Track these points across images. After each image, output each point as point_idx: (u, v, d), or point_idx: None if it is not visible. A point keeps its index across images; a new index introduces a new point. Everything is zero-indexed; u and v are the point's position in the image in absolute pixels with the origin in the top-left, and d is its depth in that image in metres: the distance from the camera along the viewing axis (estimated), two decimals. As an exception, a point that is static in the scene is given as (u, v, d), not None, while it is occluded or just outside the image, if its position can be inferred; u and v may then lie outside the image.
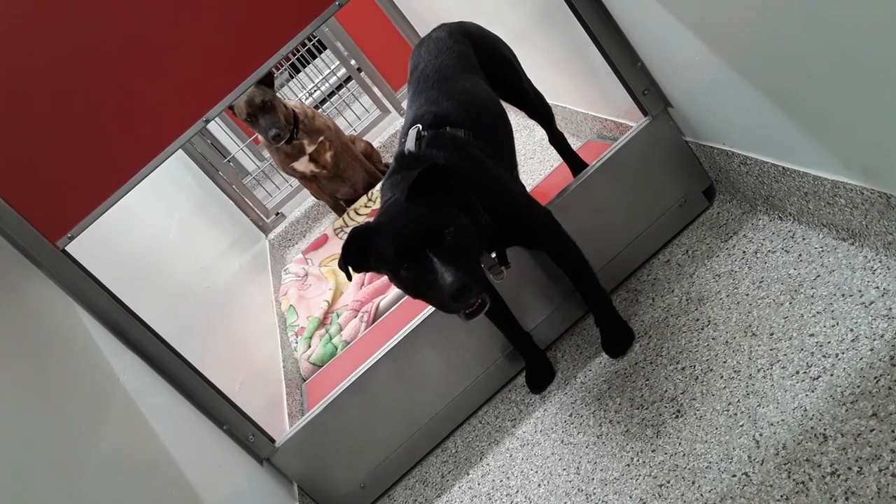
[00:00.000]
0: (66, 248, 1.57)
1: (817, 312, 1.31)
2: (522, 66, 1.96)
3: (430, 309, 1.73)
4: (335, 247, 3.09)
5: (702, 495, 1.22)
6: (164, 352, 1.63)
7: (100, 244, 1.81)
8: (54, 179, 1.56)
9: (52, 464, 1.15)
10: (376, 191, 3.34)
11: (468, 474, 1.68)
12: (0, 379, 1.19)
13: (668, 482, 1.28)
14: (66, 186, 1.57)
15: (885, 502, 1.03)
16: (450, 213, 1.34)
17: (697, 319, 1.50)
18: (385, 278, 2.46)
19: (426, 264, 1.28)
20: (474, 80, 1.73)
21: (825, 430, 1.15)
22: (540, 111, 1.99)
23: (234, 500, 1.55)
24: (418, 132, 1.55)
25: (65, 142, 1.55)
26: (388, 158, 3.68)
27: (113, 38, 1.51)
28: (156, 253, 2.36)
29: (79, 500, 1.14)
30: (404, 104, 4.16)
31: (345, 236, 3.16)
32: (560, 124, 2.48)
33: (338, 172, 3.41)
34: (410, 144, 1.53)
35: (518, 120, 2.87)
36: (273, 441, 1.73)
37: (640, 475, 1.33)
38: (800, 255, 1.43)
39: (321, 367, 2.26)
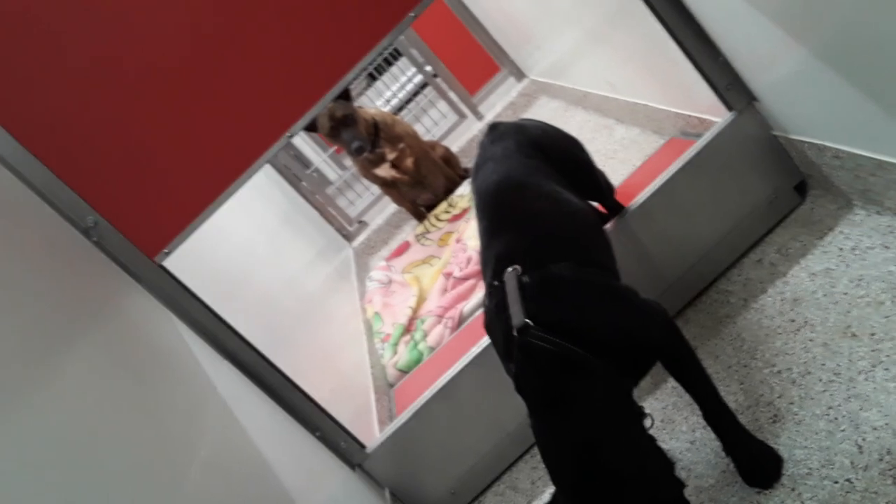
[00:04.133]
0: (163, 263, 1.64)
1: (922, 311, 1.25)
2: (599, 75, 1.89)
3: (514, 314, 1.73)
4: (417, 253, 3.13)
5: (803, 503, 1.18)
6: (256, 360, 1.68)
7: (194, 258, 1.89)
8: (151, 198, 1.64)
9: (153, 474, 1.21)
10: (456, 196, 3.36)
11: (558, 480, 1.67)
12: (104, 390, 1.25)
13: (767, 490, 1.24)
14: (161, 204, 1.65)
15: None
16: None
17: (793, 320, 1.45)
18: (469, 283, 2.48)
19: None
20: (558, 194, 1.48)
21: (934, 434, 1.10)
22: (609, 192, 1.77)
23: (329, 506, 1.58)
24: (518, 279, 1.27)
25: (159, 162, 1.63)
26: (466, 163, 3.69)
27: (202, 58, 1.58)
28: (245, 265, 2.44)
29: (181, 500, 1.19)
30: (481, 108, 4.19)
31: (426, 242, 3.17)
32: (641, 122, 2.44)
33: (419, 178, 3.44)
34: (514, 300, 1.24)
35: (596, 119, 2.84)
36: (364, 447, 1.77)
37: (736, 482, 1.30)
38: (901, 250, 1.37)
39: (408, 373, 2.29)
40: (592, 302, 1.26)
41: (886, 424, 1.16)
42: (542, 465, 1.74)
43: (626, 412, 1.17)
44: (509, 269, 1.29)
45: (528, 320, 1.19)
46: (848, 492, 1.13)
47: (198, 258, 1.99)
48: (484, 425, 1.79)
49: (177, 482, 1.24)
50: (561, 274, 1.28)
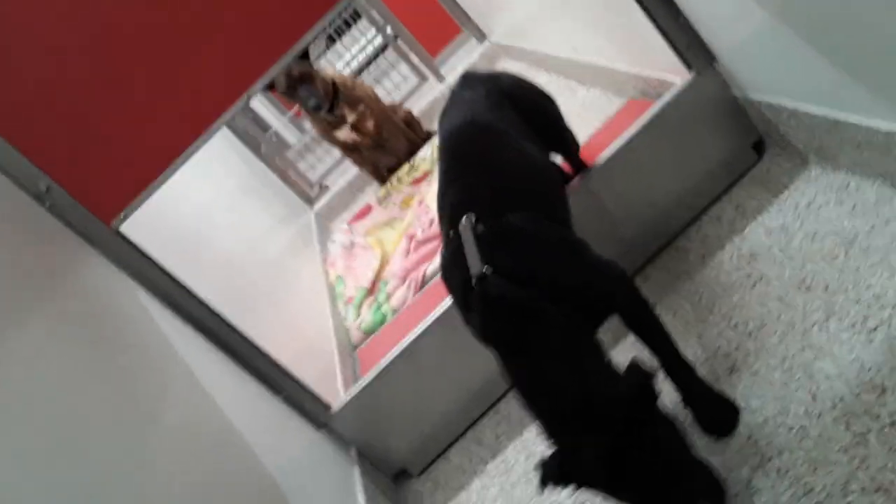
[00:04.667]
0: (120, 229, 1.62)
1: (873, 264, 1.29)
2: (561, 38, 1.88)
3: (477, 274, 1.74)
4: (379, 216, 3.12)
5: (758, 450, 1.22)
6: (219, 325, 1.67)
7: (152, 224, 1.86)
8: (104, 163, 1.60)
9: (117, 439, 1.20)
10: (418, 158, 3.34)
11: (522, 435, 1.70)
12: (63, 357, 1.23)
13: (725, 438, 1.28)
14: (116, 169, 1.61)
15: (948, 452, 1.02)
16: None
17: (749, 275, 1.49)
18: (432, 245, 2.48)
19: None
20: (521, 146, 1.48)
21: (883, 381, 1.14)
22: (575, 149, 1.76)
23: (297, 465, 1.59)
24: (473, 225, 1.27)
25: (112, 125, 1.59)
26: (428, 125, 3.67)
27: (152, 18, 1.54)
28: (205, 230, 2.41)
29: (148, 471, 1.18)
30: (443, 70, 4.15)
31: (389, 205, 3.16)
32: (603, 83, 2.45)
33: (380, 141, 3.42)
34: (471, 249, 1.24)
35: (558, 81, 2.84)
36: (329, 407, 1.78)
37: (694, 432, 1.33)
38: (854, 206, 1.40)
39: (371, 334, 2.29)
40: (548, 253, 1.28)
41: (839, 374, 1.20)
42: (506, 422, 1.77)
43: (586, 349, 1.19)
44: (464, 219, 1.29)
45: (485, 269, 1.20)
46: (802, 438, 1.17)
47: (156, 223, 1.96)
48: (447, 384, 1.81)
49: (141, 448, 1.23)
50: (518, 224, 1.29)
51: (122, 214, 1.61)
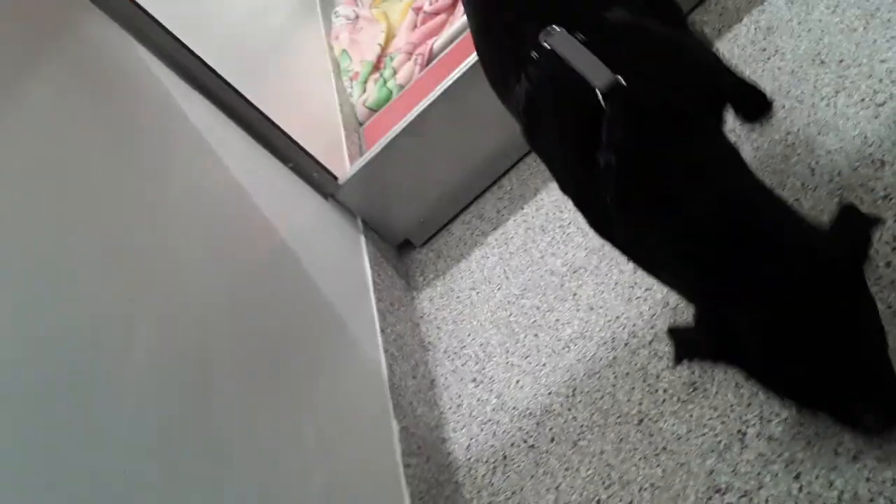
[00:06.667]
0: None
1: (892, 37, 1.25)
2: None
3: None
4: (385, -13, 2.97)
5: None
6: (226, 91, 1.66)
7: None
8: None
9: (131, 195, 1.23)
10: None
11: (522, 209, 1.75)
12: (73, 111, 1.23)
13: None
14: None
15: (935, 223, 1.05)
16: None
17: (764, 49, 1.45)
18: (439, 18, 2.40)
19: None
20: None
21: (883, 156, 1.15)
22: None
23: (305, 232, 1.66)
24: (575, 36, 0.94)
25: None
26: None
27: None
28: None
29: (160, 235, 1.23)
30: None
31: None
32: None
33: None
34: (586, 61, 0.91)
35: None
36: (336, 178, 1.81)
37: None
38: (882, -25, 1.33)
39: (377, 111, 2.28)
40: (669, 52, 1.01)
41: (840, 148, 1.21)
42: (508, 197, 1.81)
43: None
44: (549, 29, 0.96)
45: (618, 77, 0.89)
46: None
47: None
48: (452, 158, 1.83)
49: (155, 205, 1.27)
50: (625, 22, 0.99)
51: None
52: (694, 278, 0.91)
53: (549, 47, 0.94)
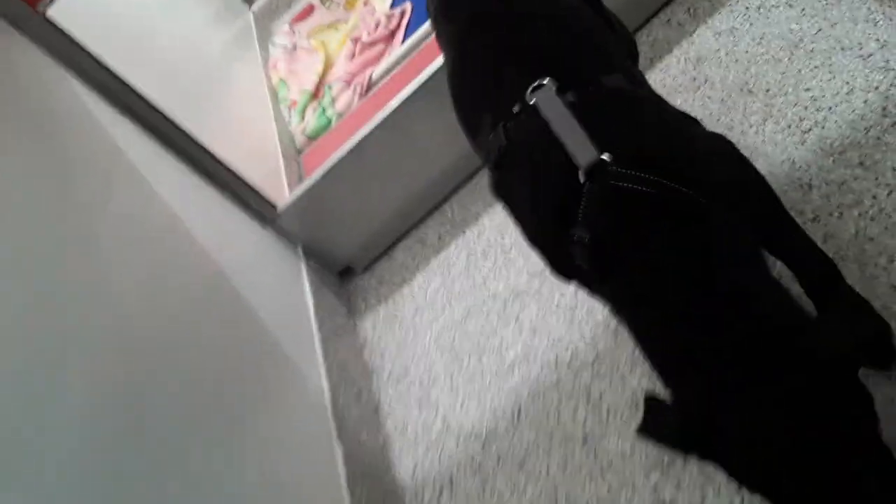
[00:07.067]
0: (49, 14, 1.51)
1: (815, 67, 1.31)
2: None
3: (424, 76, 1.72)
4: (323, 17, 2.98)
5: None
6: (160, 120, 1.63)
7: (85, 12, 1.74)
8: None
9: (63, 233, 1.19)
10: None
11: (464, 234, 1.76)
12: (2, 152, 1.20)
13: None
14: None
15: (860, 243, 1.10)
16: None
17: (694, 79, 1.50)
18: (377, 48, 2.42)
19: None
20: None
21: (811, 179, 1.20)
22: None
23: (244, 260, 1.63)
24: (562, 98, 0.85)
25: None
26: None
27: None
28: (140, 25, 2.28)
29: (93, 259, 1.19)
30: None
31: (332, 6, 3.01)
32: None
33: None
34: (569, 127, 0.82)
35: None
36: (275, 206, 1.79)
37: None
38: (803, 9, 1.40)
39: (316, 139, 2.27)
40: (663, 125, 0.91)
41: (770, 172, 1.25)
42: (450, 223, 1.82)
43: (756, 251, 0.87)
44: (543, 85, 0.86)
45: (604, 156, 0.80)
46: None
47: (87, 12, 1.84)
48: (393, 184, 1.84)
49: (89, 240, 1.23)
50: (620, 89, 0.90)
51: (48, -3, 1.50)
52: (674, 370, 0.83)
53: (533, 104, 0.86)
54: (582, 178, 0.80)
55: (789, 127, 1.28)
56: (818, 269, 0.97)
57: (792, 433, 0.74)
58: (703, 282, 0.79)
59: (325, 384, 1.53)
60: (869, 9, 1.30)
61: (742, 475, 0.81)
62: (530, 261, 1.55)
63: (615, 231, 0.81)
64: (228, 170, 1.72)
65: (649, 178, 0.79)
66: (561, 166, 0.81)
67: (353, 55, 2.49)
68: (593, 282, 0.88)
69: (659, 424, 0.83)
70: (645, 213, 0.80)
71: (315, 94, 2.48)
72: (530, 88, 0.86)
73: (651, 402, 0.84)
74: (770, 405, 0.75)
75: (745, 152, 1.28)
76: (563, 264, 0.90)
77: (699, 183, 0.82)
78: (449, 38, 1.09)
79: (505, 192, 0.95)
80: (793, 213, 1.17)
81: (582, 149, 0.80)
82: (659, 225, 0.80)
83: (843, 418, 0.75)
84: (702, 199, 0.81)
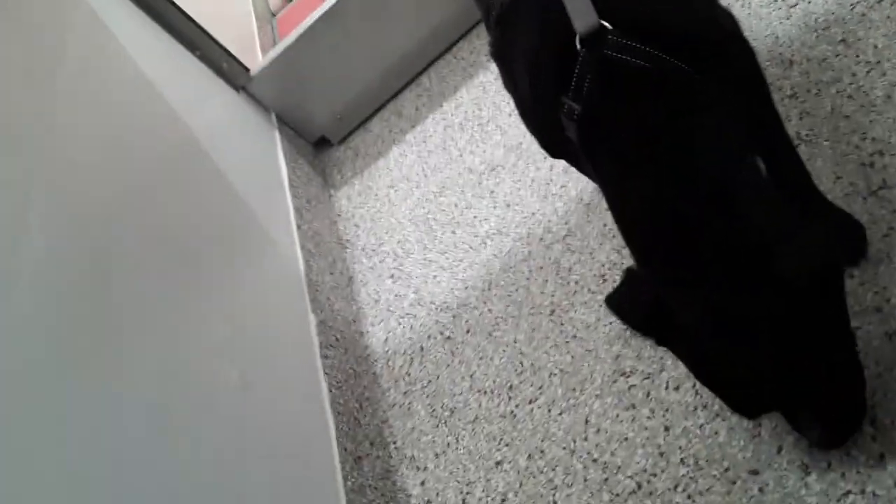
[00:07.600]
0: None
1: (809, -62, 1.26)
2: None
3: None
4: None
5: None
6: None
7: None
8: None
9: (17, 75, 1.14)
10: None
11: (441, 106, 1.73)
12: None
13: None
14: None
15: (836, 120, 1.10)
16: None
17: None
18: None
19: None
20: None
21: (793, 55, 1.18)
22: None
23: (216, 124, 1.59)
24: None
25: None
26: None
27: None
28: None
29: (47, 124, 1.14)
30: None
31: None
32: None
33: None
34: None
35: None
36: (248, 70, 1.74)
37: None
38: None
39: (292, 1, 2.19)
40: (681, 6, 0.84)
41: (753, 47, 1.23)
42: (427, 94, 1.78)
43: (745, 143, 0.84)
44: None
45: (604, 22, 0.76)
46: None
47: None
48: (370, 53, 1.78)
49: (44, 82, 1.18)
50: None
51: None
52: (650, 244, 0.81)
53: None
54: (578, 46, 0.76)
55: (776, 1, 1.25)
56: (796, 176, 0.96)
57: (747, 355, 0.76)
58: (688, 171, 0.77)
59: (298, 253, 1.53)
60: None
61: (694, 370, 0.85)
62: (507, 134, 1.53)
63: (606, 106, 0.78)
64: (197, 26, 1.65)
65: (648, 52, 0.75)
66: (562, 29, 0.76)
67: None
68: (580, 157, 0.85)
69: (628, 298, 0.84)
70: (638, 89, 0.77)
71: (290, -46, 2.36)
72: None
73: (630, 273, 0.84)
74: (730, 319, 0.75)
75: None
76: (552, 137, 0.87)
77: (700, 60, 0.78)
78: None
79: (503, 52, 0.91)
80: (771, 89, 1.17)
81: (582, 13, 0.75)
82: (651, 105, 0.77)
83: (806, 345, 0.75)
84: (699, 79, 0.77)
